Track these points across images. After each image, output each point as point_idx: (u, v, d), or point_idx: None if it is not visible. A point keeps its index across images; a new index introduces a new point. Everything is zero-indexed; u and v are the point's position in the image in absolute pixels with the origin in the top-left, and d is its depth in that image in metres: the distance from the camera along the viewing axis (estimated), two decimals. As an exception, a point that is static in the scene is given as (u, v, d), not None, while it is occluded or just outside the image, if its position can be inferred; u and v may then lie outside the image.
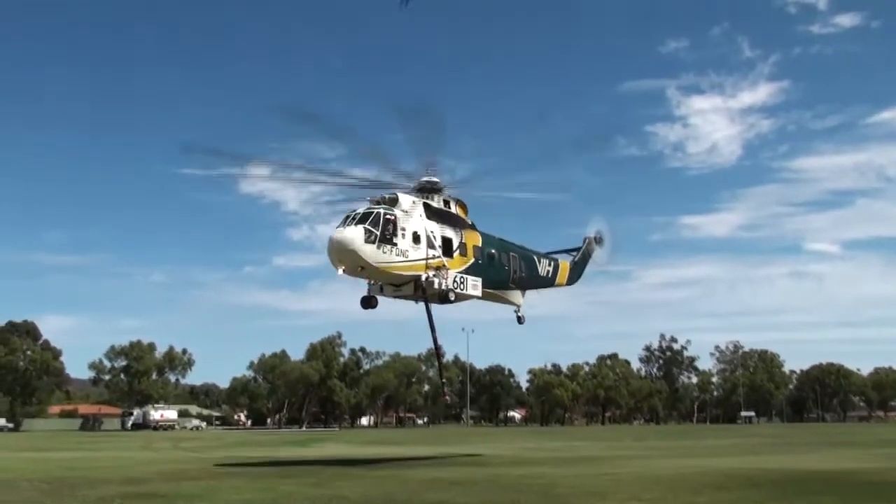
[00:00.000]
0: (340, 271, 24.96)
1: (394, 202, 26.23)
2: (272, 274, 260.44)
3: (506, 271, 30.61)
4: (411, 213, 26.49)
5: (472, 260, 28.64)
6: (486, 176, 28.86)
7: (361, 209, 25.57)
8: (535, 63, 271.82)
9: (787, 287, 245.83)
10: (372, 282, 27.42)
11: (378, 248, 24.78)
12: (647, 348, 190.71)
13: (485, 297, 29.58)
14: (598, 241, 36.93)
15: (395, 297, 27.77)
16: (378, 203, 26.08)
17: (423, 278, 26.32)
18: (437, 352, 26.46)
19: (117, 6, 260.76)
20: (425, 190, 28.17)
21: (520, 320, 32.33)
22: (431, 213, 27.52)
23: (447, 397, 31.34)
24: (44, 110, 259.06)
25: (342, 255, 24.63)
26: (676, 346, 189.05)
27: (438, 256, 26.85)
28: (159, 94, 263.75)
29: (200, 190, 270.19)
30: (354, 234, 24.58)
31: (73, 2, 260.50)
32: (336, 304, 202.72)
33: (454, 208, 28.96)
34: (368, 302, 27.60)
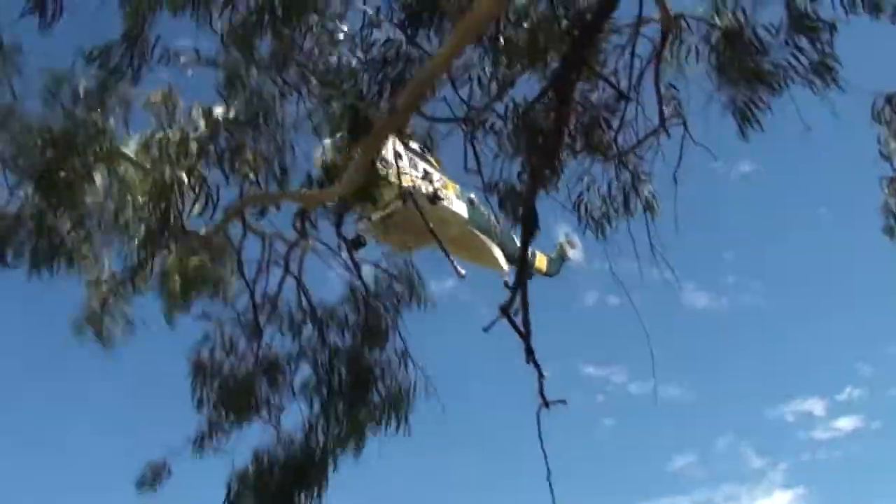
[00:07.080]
0: None
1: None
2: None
3: (486, 219, 32.02)
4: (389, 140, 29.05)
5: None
6: None
7: None
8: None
9: None
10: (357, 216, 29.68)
11: None
12: None
13: (470, 242, 31.12)
14: (571, 244, 38.37)
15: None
16: None
17: (411, 186, 28.05)
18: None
19: None
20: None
21: (507, 285, 33.09)
22: (407, 148, 30.05)
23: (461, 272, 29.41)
24: None
25: None
26: None
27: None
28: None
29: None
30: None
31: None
32: None
33: (429, 157, 31.72)
34: (357, 241, 29.52)
